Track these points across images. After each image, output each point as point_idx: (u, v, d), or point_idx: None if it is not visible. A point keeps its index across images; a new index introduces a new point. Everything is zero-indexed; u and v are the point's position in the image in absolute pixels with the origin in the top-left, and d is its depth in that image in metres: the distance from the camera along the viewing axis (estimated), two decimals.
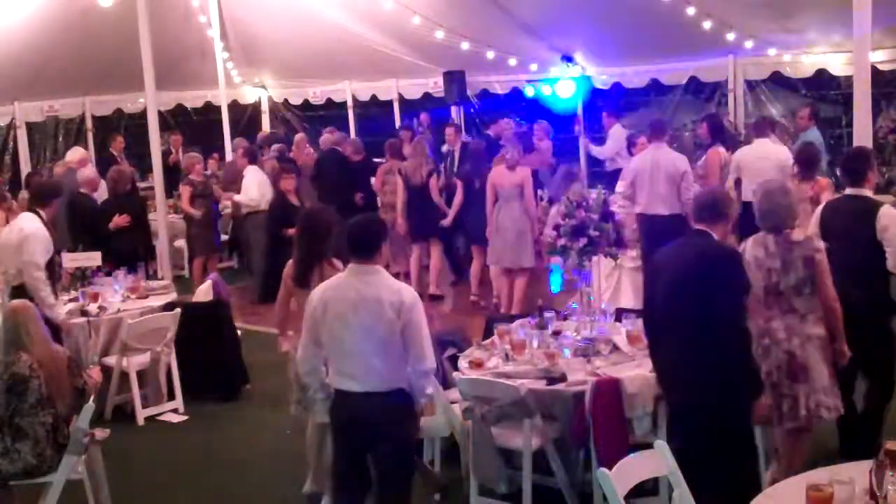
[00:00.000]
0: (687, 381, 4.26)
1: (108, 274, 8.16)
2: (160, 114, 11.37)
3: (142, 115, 12.29)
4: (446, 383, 5.52)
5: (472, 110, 15.55)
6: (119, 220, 8.97)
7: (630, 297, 8.33)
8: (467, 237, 10.42)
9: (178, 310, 7.28)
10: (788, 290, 4.68)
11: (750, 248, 4.83)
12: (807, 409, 4.63)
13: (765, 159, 8.84)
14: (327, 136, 13.15)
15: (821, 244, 4.77)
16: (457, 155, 11.17)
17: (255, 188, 10.86)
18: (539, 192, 9.85)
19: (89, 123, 15.69)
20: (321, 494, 5.43)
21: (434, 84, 15.12)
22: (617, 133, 12.62)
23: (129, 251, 8.88)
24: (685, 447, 3.98)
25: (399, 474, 4.41)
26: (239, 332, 8.13)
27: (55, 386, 4.95)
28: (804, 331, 4.69)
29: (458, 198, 9.95)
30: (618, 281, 8.55)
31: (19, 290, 6.68)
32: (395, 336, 4.21)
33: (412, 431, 4.49)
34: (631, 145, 10.08)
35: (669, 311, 4.34)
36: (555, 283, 9.79)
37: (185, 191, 10.78)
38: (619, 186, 9.05)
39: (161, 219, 10.25)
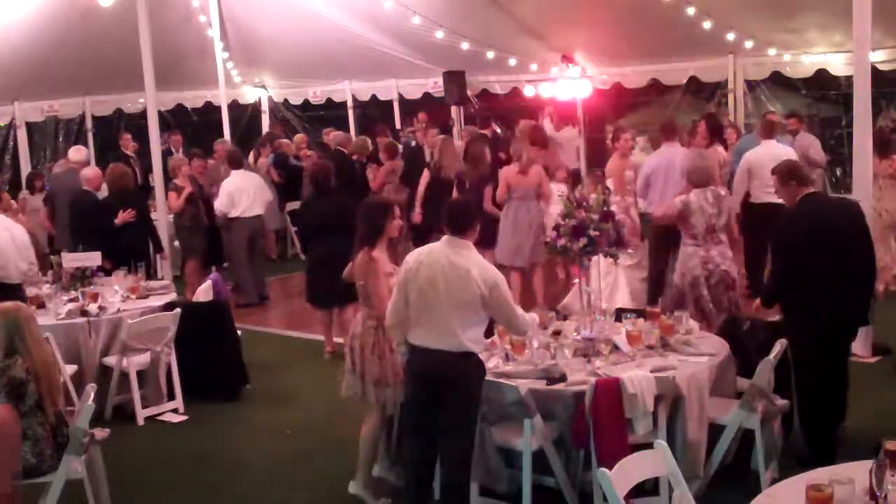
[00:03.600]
0: (843, 293, 5.41)
1: (108, 274, 8.16)
2: (160, 114, 11.36)
3: (142, 115, 12.30)
4: None
5: (472, 110, 15.58)
6: (125, 216, 8.95)
7: (626, 297, 8.33)
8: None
9: (178, 310, 7.27)
10: (720, 229, 6.95)
11: (695, 199, 6.92)
12: (736, 306, 6.94)
13: (775, 159, 8.89)
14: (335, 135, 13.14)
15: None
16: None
17: (225, 196, 10.57)
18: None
19: (89, 123, 15.69)
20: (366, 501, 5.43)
21: (434, 84, 15.13)
22: (568, 133, 12.69)
23: (135, 247, 8.89)
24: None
25: (464, 426, 4.75)
26: (239, 332, 8.13)
27: (50, 387, 4.93)
28: (728, 255, 7.03)
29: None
30: (614, 281, 8.56)
31: None
32: (475, 305, 4.65)
33: (478, 389, 4.79)
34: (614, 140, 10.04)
35: (829, 249, 5.38)
36: None
37: (171, 196, 10.45)
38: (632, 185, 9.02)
39: (161, 219, 10.24)
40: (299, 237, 8.71)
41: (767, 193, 8.69)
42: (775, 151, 8.90)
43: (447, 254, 4.72)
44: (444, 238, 4.81)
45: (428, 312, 4.72)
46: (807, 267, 5.39)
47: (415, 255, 4.85)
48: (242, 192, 10.68)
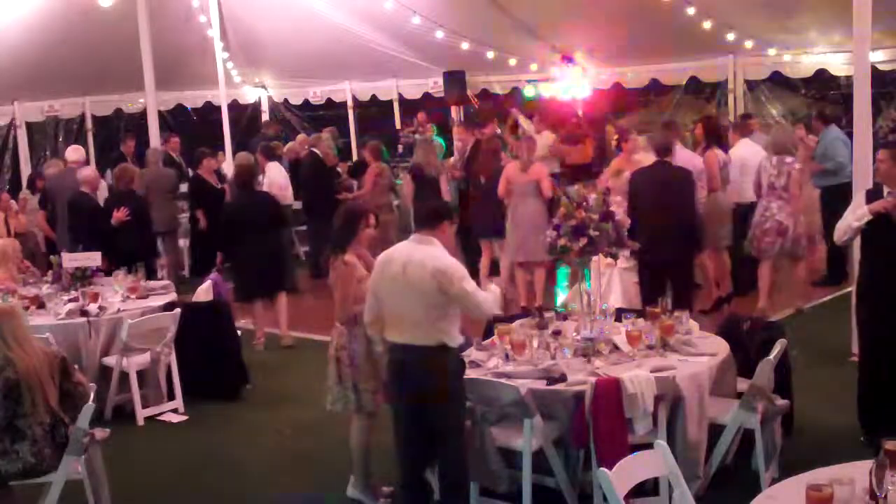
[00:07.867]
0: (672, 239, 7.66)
1: (108, 274, 8.16)
2: (160, 114, 11.37)
3: (142, 115, 12.30)
4: None
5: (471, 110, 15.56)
6: (118, 215, 8.99)
7: (619, 297, 8.32)
8: (475, 232, 10.37)
9: (178, 310, 7.27)
10: None
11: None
12: None
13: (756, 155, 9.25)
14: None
15: None
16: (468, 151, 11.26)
17: (282, 180, 11.05)
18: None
19: (89, 123, 15.68)
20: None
21: (434, 84, 15.13)
22: (544, 140, 12.72)
23: (132, 249, 8.89)
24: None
25: (453, 425, 4.76)
26: (239, 332, 8.13)
27: (41, 384, 4.92)
28: None
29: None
30: (608, 281, 8.56)
31: None
32: (435, 297, 4.64)
33: (457, 383, 4.79)
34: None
35: (660, 203, 7.61)
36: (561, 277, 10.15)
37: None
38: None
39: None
40: (222, 237, 8.83)
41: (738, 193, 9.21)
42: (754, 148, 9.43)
43: (410, 249, 4.80)
44: (413, 235, 4.90)
45: (398, 307, 4.77)
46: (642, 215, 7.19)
47: (384, 255, 4.92)
48: (286, 179, 11.22)
